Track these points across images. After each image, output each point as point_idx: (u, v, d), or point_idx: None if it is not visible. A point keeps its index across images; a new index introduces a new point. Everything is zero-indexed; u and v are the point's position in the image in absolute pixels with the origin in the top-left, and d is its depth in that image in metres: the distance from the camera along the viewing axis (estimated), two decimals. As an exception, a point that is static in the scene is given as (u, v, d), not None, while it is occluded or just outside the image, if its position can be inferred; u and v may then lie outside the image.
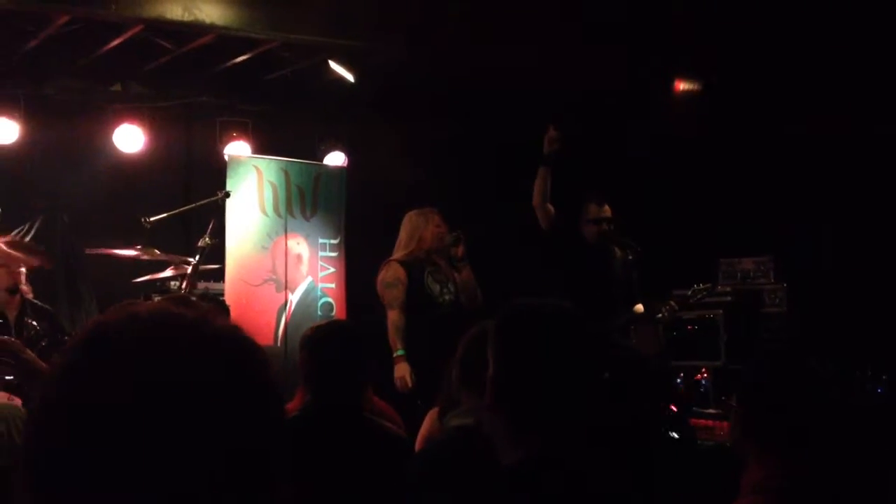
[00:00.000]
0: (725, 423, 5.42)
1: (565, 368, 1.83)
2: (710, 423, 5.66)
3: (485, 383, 1.92)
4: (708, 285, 5.70)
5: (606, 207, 5.89)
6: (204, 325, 0.95)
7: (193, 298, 4.33)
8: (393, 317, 5.42)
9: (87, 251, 5.13)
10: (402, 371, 5.25)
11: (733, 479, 2.20)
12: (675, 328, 6.10)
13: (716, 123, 6.59)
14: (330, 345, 3.08)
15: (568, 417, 1.81)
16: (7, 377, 3.96)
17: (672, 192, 6.95)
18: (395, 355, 5.31)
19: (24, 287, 5.05)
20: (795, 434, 2.17)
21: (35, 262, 4.72)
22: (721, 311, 5.90)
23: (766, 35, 5.87)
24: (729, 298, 6.00)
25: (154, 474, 0.86)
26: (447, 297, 5.59)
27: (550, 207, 5.67)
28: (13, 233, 5.99)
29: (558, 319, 1.89)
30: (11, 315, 4.92)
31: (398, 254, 5.60)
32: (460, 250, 5.57)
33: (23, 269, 5.05)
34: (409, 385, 5.20)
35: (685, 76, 6.43)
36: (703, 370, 5.85)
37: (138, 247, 5.06)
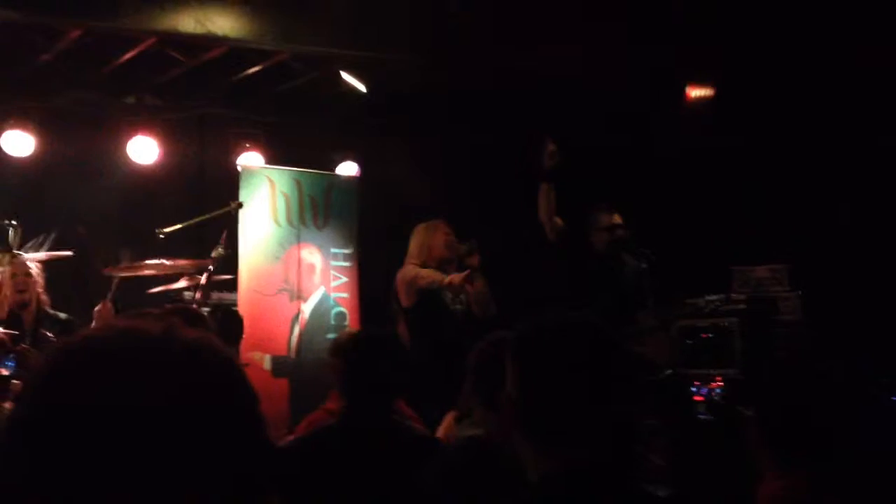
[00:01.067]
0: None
1: (589, 382, 1.80)
2: (725, 432, 5.62)
3: (495, 395, 1.91)
4: (721, 296, 5.71)
5: (616, 216, 5.90)
6: (170, 339, 0.94)
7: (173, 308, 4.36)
8: (423, 274, 5.47)
9: (105, 271, 5.14)
10: (455, 276, 5.30)
11: (749, 488, 2.18)
12: (689, 336, 6.07)
13: (729, 130, 6.56)
14: (367, 353, 3.10)
15: (595, 429, 1.80)
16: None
17: (686, 200, 6.93)
18: (445, 281, 5.36)
19: (43, 297, 5.09)
20: (813, 443, 2.15)
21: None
22: (736, 320, 5.85)
23: (777, 41, 5.85)
24: (743, 306, 5.96)
25: (108, 489, 0.86)
26: (459, 307, 5.59)
27: (558, 221, 5.68)
28: (28, 244, 6.02)
29: (577, 332, 1.86)
30: (27, 324, 4.96)
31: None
32: (475, 260, 5.57)
33: (39, 280, 5.09)
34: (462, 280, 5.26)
35: (697, 83, 6.41)
36: (718, 378, 5.81)
37: (153, 261, 5.07)
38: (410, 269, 5.57)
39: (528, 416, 1.80)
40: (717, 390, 5.78)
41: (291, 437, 3.50)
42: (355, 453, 2.95)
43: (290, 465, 2.88)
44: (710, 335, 5.97)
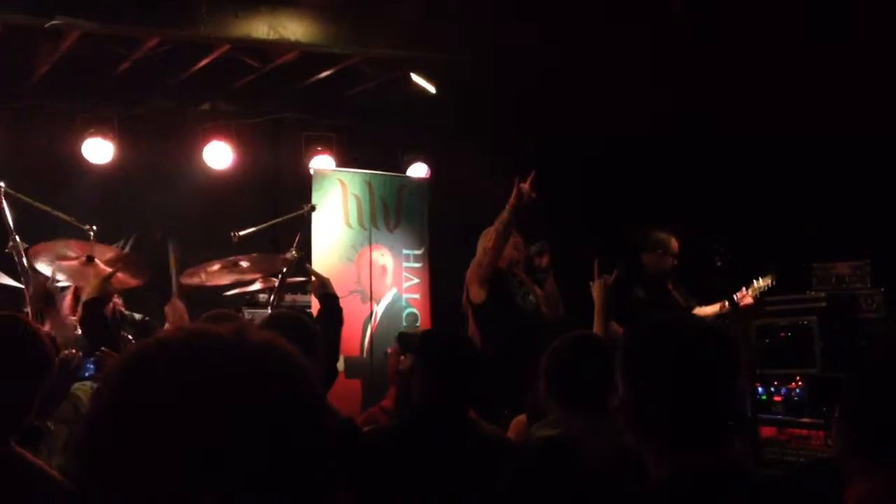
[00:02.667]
0: (822, 433, 5.26)
1: (702, 381, 1.78)
2: (805, 432, 5.49)
3: (572, 394, 1.89)
4: (767, 280, 5.63)
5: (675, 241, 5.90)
6: (240, 341, 0.96)
7: (232, 313, 4.42)
8: (488, 234, 5.44)
9: (183, 282, 5.23)
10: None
11: (836, 492, 2.12)
12: (767, 335, 5.95)
13: (811, 121, 6.41)
14: (445, 350, 3.10)
15: (712, 428, 1.78)
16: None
17: (764, 195, 6.79)
18: (505, 214, 5.32)
19: (116, 300, 5.19)
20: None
21: (132, 281, 4.85)
22: (815, 318, 5.71)
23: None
24: (824, 304, 5.81)
25: (180, 487, 0.88)
26: (530, 305, 5.56)
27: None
28: (114, 247, 6.17)
29: (687, 335, 1.84)
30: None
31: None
32: (545, 260, 5.54)
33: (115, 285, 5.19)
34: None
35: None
36: (797, 378, 5.68)
37: (224, 266, 5.13)
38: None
39: (643, 418, 1.79)
40: (797, 390, 5.66)
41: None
42: (427, 451, 2.95)
43: (359, 456, 2.88)
44: (789, 334, 5.84)
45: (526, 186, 5.29)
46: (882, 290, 5.77)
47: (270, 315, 3.41)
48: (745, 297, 5.70)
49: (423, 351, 3.13)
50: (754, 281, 5.74)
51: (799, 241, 6.36)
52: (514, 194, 5.29)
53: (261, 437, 0.91)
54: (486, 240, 5.51)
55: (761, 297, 5.69)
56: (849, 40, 5.79)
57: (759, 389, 5.76)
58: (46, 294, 4.74)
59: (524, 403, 3.98)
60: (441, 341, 3.19)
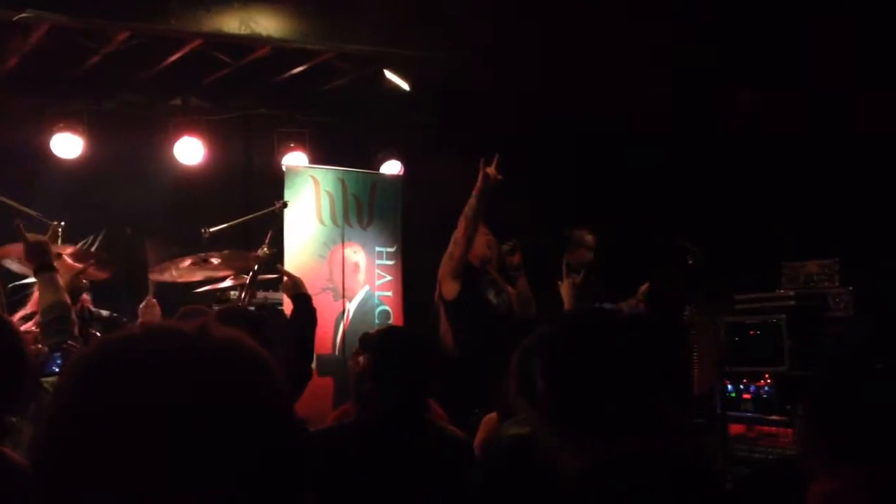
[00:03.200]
0: (790, 431, 5.32)
1: (618, 375, 1.79)
2: (773, 430, 5.54)
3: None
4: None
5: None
6: (202, 338, 0.96)
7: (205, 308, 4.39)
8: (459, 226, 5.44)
9: (151, 277, 5.19)
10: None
11: (801, 489, 2.14)
12: (736, 333, 6.00)
13: (778, 126, 6.47)
14: (400, 349, 3.08)
15: (625, 424, 1.78)
16: None
17: (734, 194, 6.85)
18: (478, 187, 5.31)
19: (85, 296, 5.14)
20: (867, 444, 2.10)
21: (100, 273, 4.81)
22: (784, 316, 5.76)
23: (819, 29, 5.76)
24: (793, 303, 5.87)
25: (134, 486, 0.87)
26: (503, 307, 5.57)
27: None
28: (78, 244, 6.11)
29: (607, 327, 1.85)
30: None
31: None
32: (517, 258, 5.55)
33: (84, 281, 5.14)
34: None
35: (750, 85, 6.33)
36: (766, 376, 5.73)
37: (195, 262, 5.10)
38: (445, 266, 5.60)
39: (558, 409, 1.80)
40: (766, 388, 5.71)
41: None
42: (384, 449, 2.93)
43: (314, 457, 2.86)
44: (758, 332, 5.89)
45: (491, 170, 5.31)
46: (850, 289, 5.82)
47: (219, 311, 3.37)
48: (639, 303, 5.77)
49: (379, 350, 3.12)
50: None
51: (769, 240, 6.42)
52: (479, 178, 5.31)
53: (223, 436, 0.90)
54: (457, 231, 5.53)
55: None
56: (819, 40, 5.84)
57: (729, 387, 5.82)
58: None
59: (495, 401, 4.00)
60: (397, 340, 3.17)
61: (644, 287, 5.78)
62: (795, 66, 6.11)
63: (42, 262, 3.23)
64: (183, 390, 0.91)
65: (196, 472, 0.88)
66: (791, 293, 5.95)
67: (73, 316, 3.09)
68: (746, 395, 5.78)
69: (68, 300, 3.15)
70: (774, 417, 5.56)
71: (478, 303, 5.47)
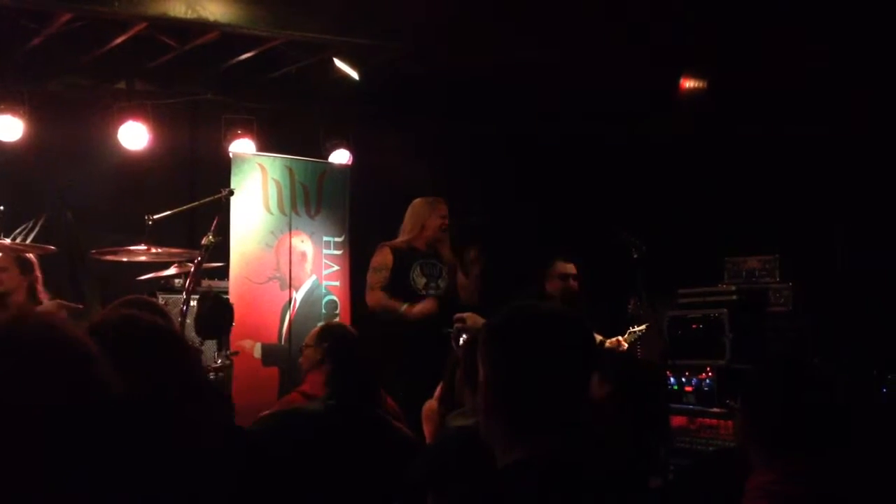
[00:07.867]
0: (730, 423, 5.41)
1: (559, 370, 1.79)
2: (714, 422, 5.64)
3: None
4: (642, 328, 5.75)
5: (572, 266, 5.98)
6: (14, 328, 1.06)
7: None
8: (375, 297, 5.57)
9: (93, 254, 5.11)
10: (428, 304, 5.44)
11: (739, 480, 2.18)
12: (679, 326, 6.09)
13: (722, 120, 6.56)
14: (353, 343, 3.08)
15: (563, 418, 1.79)
16: None
17: (677, 190, 6.94)
18: (402, 310, 5.46)
19: (39, 287, 5.04)
20: (802, 436, 2.14)
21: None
22: (726, 311, 5.87)
23: (770, 30, 5.84)
24: (734, 297, 5.98)
25: None
26: (432, 292, 5.59)
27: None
28: (17, 230, 5.98)
29: (548, 321, 1.85)
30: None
31: (399, 239, 5.67)
32: (473, 254, 5.62)
33: (38, 275, 5.04)
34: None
35: (691, 74, 6.40)
36: (708, 369, 5.83)
37: (143, 246, 5.03)
38: (375, 260, 5.66)
39: (498, 401, 1.80)
40: (707, 381, 5.81)
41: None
42: (334, 439, 2.93)
43: (259, 439, 2.83)
44: (700, 326, 5.98)
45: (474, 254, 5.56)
46: (790, 284, 5.95)
47: (125, 299, 3.35)
48: (621, 342, 5.81)
49: (329, 346, 3.13)
50: (630, 328, 5.84)
51: (711, 235, 6.52)
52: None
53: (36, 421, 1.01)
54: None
55: (635, 342, 5.82)
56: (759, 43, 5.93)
57: (671, 379, 5.91)
58: None
59: (401, 384, 4.23)
60: (346, 334, 3.18)
61: (635, 329, 5.79)
62: (740, 64, 6.20)
63: None
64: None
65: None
66: (733, 288, 6.06)
67: None
68: (688, 388, 5.89)
69: None
70: (715, 410, 5.66)
71: (402, 287, 5.58)
